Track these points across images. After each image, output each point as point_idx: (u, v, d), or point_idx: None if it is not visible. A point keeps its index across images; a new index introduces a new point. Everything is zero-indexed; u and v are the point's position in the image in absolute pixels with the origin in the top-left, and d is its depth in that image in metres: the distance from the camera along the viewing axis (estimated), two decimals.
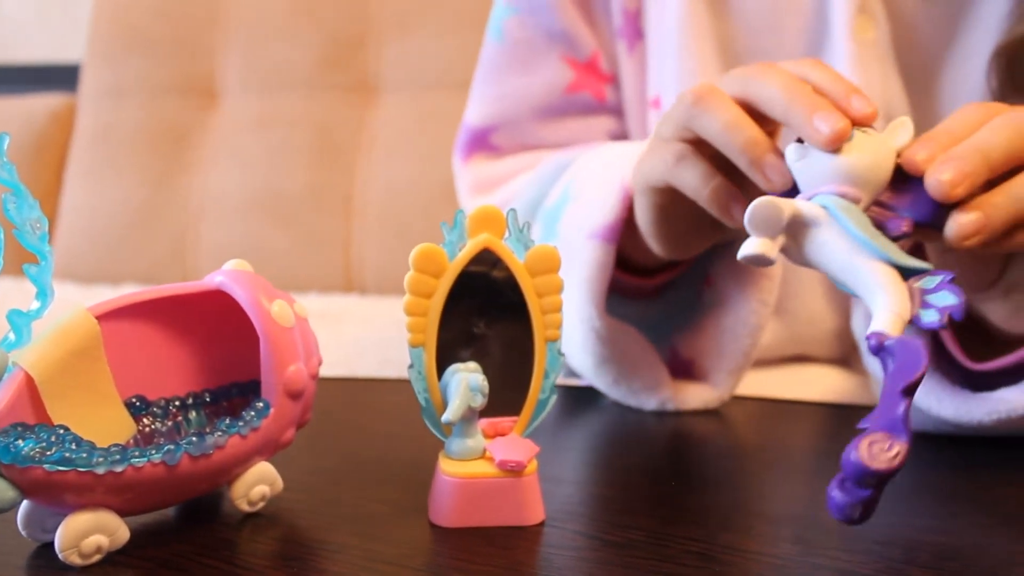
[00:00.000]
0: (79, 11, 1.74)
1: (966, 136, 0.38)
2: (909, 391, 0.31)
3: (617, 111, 0.75)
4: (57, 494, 0.34)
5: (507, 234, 0.40)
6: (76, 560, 0.35)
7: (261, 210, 1.48)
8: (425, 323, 0.39)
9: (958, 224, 0.37)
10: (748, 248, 0.36)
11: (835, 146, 0.38)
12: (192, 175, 1.54)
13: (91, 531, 0.35)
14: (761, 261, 0.35)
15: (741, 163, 0.42)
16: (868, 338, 0.33)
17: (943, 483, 0.47)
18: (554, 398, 0.42)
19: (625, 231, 0.55)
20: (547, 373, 0.41)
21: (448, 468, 0.39)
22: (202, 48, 1.58)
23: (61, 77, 1.75)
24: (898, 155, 0.39)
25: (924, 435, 0.51)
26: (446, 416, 0.39)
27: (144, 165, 1.55)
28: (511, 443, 0.40)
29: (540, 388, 0.41)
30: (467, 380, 0.39)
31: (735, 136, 0.42)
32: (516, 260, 0.40)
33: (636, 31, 0.72)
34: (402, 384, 0.65)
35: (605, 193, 0.56)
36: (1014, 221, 0.38)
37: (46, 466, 0.33)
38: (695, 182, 0.45)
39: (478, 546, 0.37)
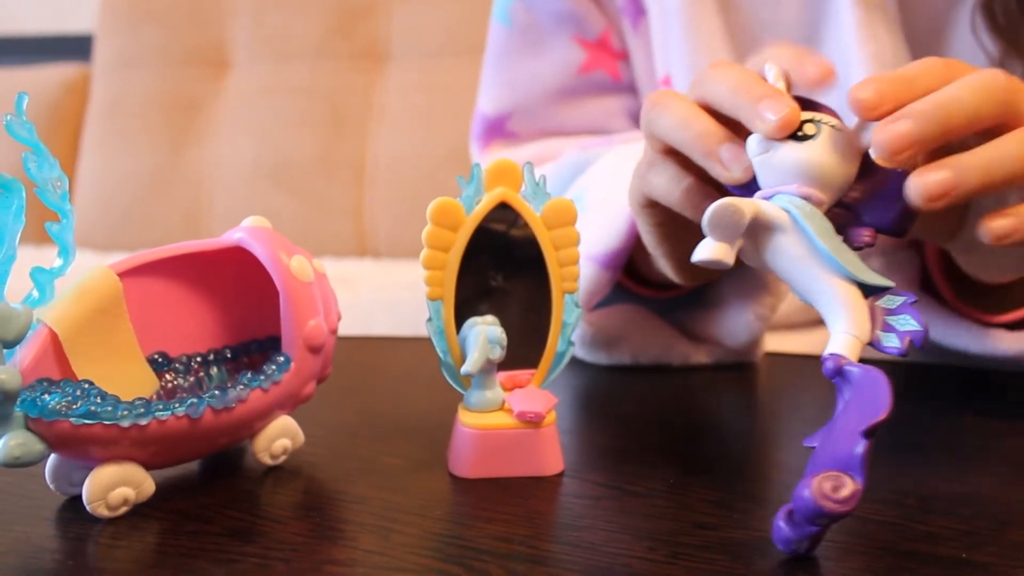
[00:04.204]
0: None
1: (925, 90, 0.35)
2: (870, 433, 0.30)
3: (634, 89, 0.74)
4: (83, 447, 0.34)
5: (524, 187, 0.40)
6: (104, 512, 0.35)
7: (272, 178, 1.48)
8: (443, 276, 0.39)
9: (923, 184, 0.34)
10: (703, 252, 0.33)
11: (783, 134, 0.35)
12: (204, 144, 1.54)
13: (117, 484, 0.35)
14: (716, 265, 0.33)
15: (696, 156, 0.39)
16: (824, 360, 0.32)
17: (953, 434, 0.47)
18: (572, 350, 0.42)
19: (638, 252, 0.54)
20: (564, 325, 0.41)
21: (468, 420, 0.40)
22: (212, 18, 1.58)
23: (70, 47, 1.75)
24: (865, 152, 0.36)
25: (930, 378, 0.52)
26: (465, 368, 0.39)
27: (157, 135, 1.56)
28: (529, 395, 0.40)
29: (558, 340, 0.41)
30: (485, 332, 0.39)
31: (687, 130, 0.40)
32: (533, 213, 0.40)
33: (638, 8, 0.71)
34: (416, 342, 0.66)
35: (612, 216, 0.55)
36: (986, 189, 0.34)
37: (72, 420, 0.33)
38: (666, 185, 0.42)
39: (498, 496, 0.38)
